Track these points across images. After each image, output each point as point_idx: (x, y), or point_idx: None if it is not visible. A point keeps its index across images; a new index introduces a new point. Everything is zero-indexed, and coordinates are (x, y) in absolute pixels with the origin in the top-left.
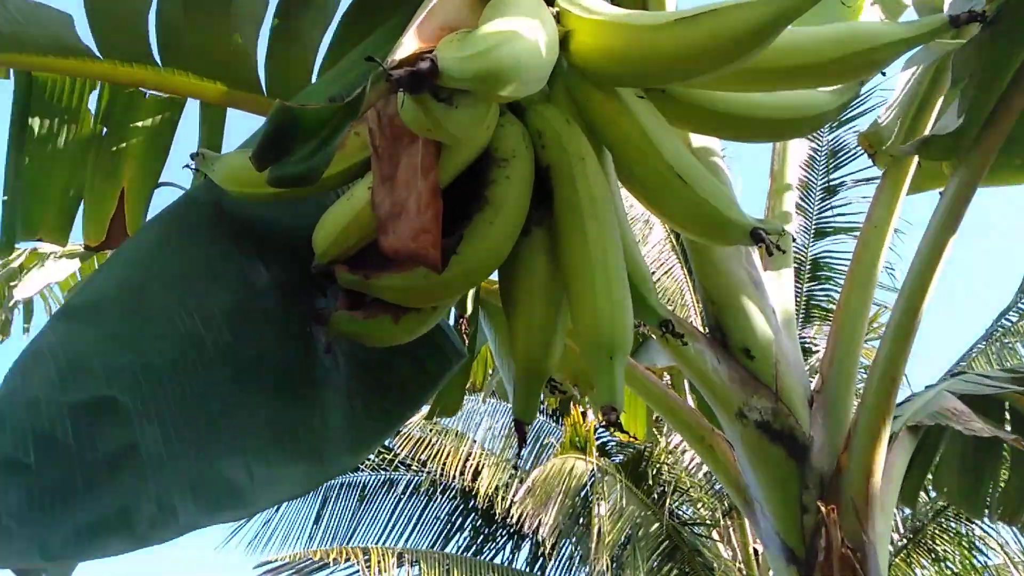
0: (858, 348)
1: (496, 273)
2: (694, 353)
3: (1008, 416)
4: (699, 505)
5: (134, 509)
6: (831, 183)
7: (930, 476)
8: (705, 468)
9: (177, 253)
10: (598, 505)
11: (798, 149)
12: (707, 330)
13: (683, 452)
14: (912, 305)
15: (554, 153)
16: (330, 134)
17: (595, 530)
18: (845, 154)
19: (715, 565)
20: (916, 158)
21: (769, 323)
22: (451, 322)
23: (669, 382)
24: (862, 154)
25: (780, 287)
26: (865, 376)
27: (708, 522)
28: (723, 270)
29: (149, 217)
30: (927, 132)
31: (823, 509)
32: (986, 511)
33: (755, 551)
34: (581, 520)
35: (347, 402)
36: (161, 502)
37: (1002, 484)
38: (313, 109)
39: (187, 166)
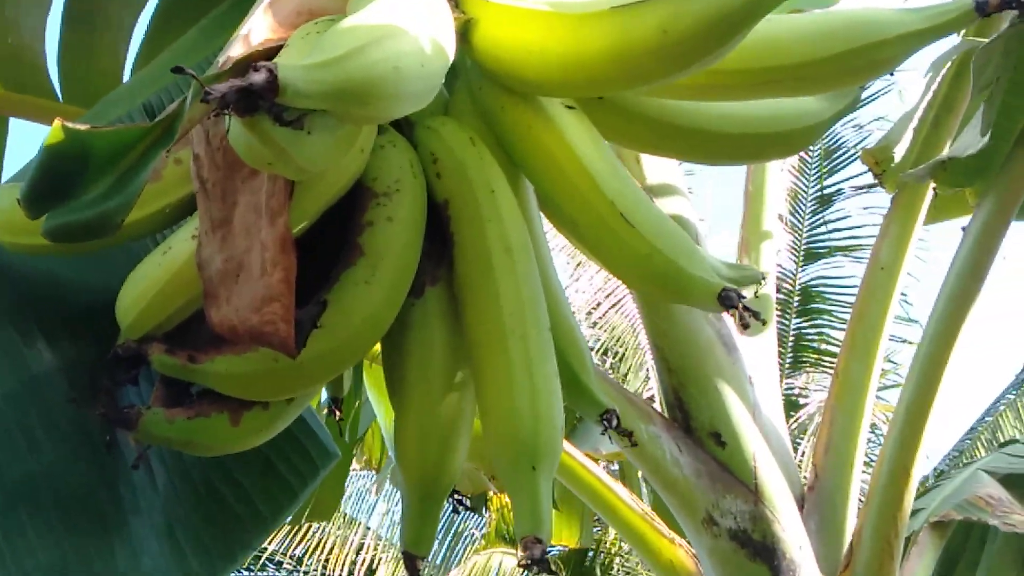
0: (861, 429)
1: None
2: (647, 438)
3: None
4: None
5: None
6: (825, 192)
7: None
8: None
9: None
10: None
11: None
12: (664, 408)
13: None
14: (929, 376)
15: (454, 184)
16: (135, 166)
17: None
18: (843, 155)
19: None
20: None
21: (746, 398)
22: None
23: (616, 472)
24: None
25: (760, 347)
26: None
27: None
28: (683, 326)
29: None
30: (946, 151)
31: None
32: None
33: None
34: None
35: (166, 533)
36: None
37: None
38: (108, 132)
39: None
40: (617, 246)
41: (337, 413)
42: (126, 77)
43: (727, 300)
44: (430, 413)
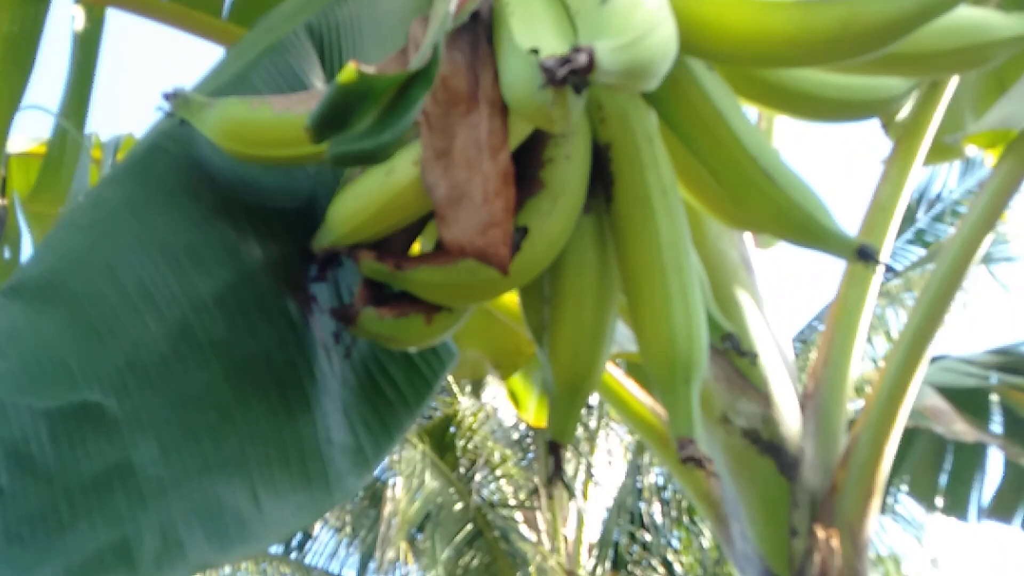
0: (854, 348)
1: None
2: None
3: (995, 413)
4: (503, 482)
5: (135, 543)
6: None
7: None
8: (516, 436)
9: (151, 219)
10: (393, 479)
11: None
12: None
13: (489, 416)
14: (935, 308)
15: (616, 130)
16: (401, 105)
17: (386, 511)
18: None
19: (523, 554)
20: (932, 128)
21: (762, 313)
22: None
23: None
24: None
25: (770, 270)
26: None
27: (513, 503)
28: (715, 248)
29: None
30: (988, 120)
31: (819, 534)
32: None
33: (566, 538)
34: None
35: (342, 413)
36: (166, 535)
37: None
38: (387, 76)
39: (159, 108)
40: (759, 198)
41: None
42: None
43: (866, 254)
44: (583, 323)
